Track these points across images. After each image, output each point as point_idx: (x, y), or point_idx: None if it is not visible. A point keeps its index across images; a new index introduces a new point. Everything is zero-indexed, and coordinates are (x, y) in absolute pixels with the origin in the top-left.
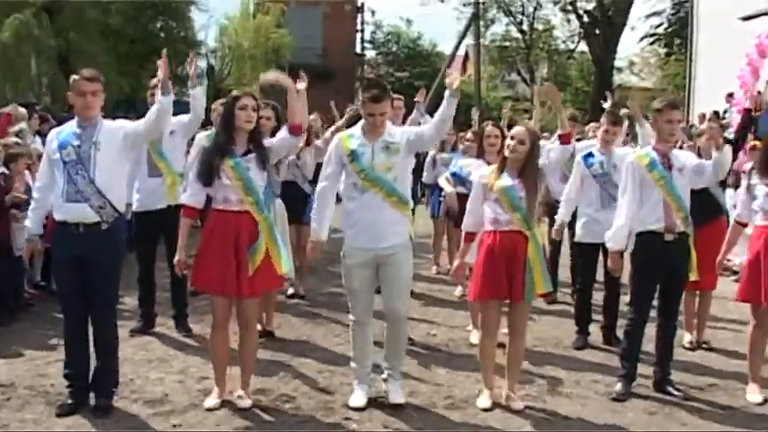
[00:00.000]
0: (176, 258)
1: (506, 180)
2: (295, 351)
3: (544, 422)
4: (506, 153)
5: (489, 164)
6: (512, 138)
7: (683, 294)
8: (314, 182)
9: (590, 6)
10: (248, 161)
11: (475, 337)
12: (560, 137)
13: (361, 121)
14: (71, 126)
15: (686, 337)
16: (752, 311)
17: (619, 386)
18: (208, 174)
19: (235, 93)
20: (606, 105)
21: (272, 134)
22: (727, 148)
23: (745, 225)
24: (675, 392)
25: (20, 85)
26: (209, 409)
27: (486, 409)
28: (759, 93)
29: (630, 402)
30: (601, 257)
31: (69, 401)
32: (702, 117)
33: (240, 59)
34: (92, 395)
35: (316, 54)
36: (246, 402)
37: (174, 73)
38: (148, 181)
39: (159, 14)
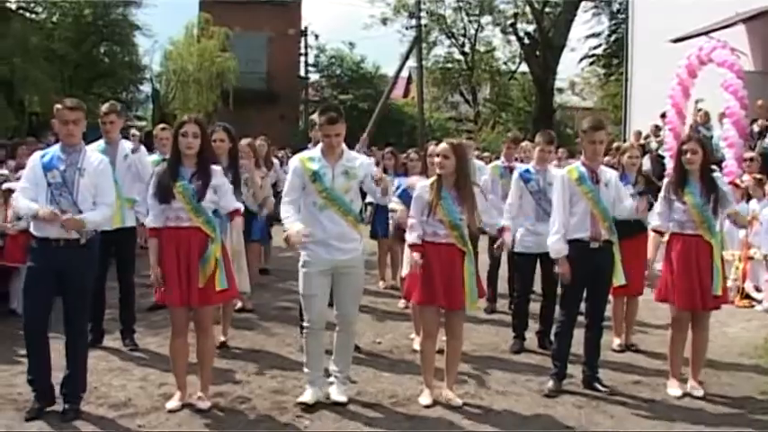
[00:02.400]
0: (152, 277)
1: (447, 199)
2: (249, 358)
3: (480, 416)
4: (437, 171)
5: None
6: (437, 155)
7: (608, 298)
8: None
9: (530, 28)
10: (195, 184)
11: (417, 343)
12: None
13: (320, 144)
14: (55, 150)
15: (615, 341)
16: (673, 316)
17: (550, 383)
18: (164, 194)
19: (182, 118)
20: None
21: (229, 154)
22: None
23: (662, 234)
24: (602, 389)
25: None
26: (171, 411)
27: (427, 406)
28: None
29: (561, 398)
30: (538, 268)
31: (36, 405)
32: (638, 134)
33: (185, 83)
34: (60, 400)
35: (260, 78)
36: (205, 404)
37: (119, 98)
38: None
39: (104, 39)
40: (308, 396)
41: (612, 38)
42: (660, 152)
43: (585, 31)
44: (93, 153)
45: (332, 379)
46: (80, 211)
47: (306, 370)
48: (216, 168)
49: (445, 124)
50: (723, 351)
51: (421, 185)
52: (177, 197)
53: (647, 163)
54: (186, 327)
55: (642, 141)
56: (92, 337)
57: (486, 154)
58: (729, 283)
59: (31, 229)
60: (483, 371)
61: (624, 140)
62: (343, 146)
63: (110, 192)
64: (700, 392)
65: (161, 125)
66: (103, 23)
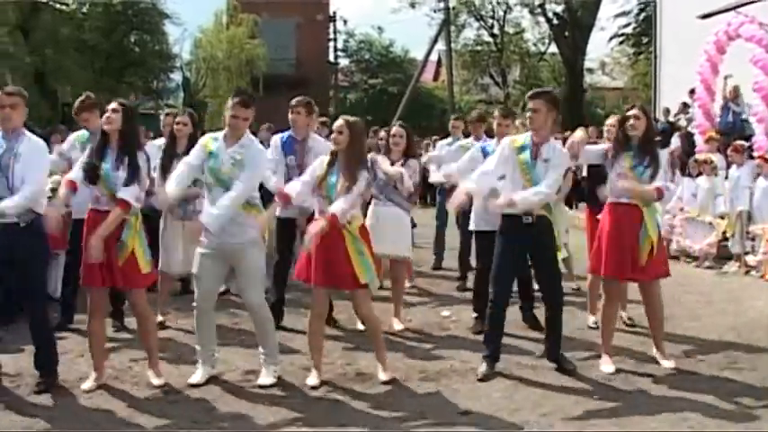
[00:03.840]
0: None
1: (331, 176)
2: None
3: (509, 387)
4: (333, 144)
5: (392, 162)
6: (334, 130)
7: (558, 274)
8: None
9: (559, 9)
10: (117, 166)
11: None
12: None
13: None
14: None
15: (590, 319)
16: (603, 286)
17: (483, 367)
18: (91, 174)
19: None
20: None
21: (189, 139)
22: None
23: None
24: (567, 367)
25: None
26: (86, 391)
27: (314, 387)
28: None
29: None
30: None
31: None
32: (666, 111)
33: (215, 71)
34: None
35: (289, 64)
36: (158, 381)
37: (150, 87)
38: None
39: (133, 29)
40: (197, 377)
41: (641, 16)
42: (690, 129)
43: (615, 9)
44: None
45: (261, 360)
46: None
47: (197, 347)
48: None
49: (475, 107)
50: (748, 329)
51: (313, 166)
52: (99, 181)
53: (675, 141)
54: (104, 308)
55: (672, 119)
56: (62, 316)
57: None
58: (759, 257)
59: None
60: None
61: (655, 119)
62: (248, 134)
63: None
64: (670, 364)
65: (167, 110)
66: (133, 13)
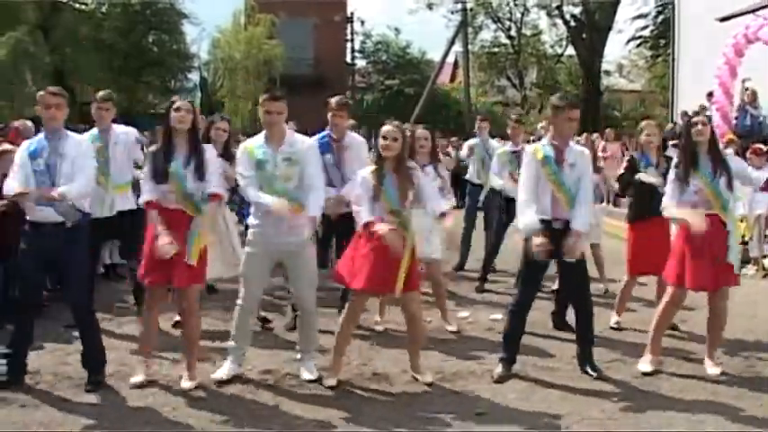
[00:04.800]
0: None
1: (388, 183)
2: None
3: (524, 390)
4: (383, 152)
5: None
6: (384, 137)
7: (587, 279)
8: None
9: (576, 11)
10: (186, 166)
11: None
12: None
13: (263, 131)
14: (39, 138)
15: (613, 319)
16: (671, 294)
17: (499, 368)
18: (158, 174)
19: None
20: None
21: (225, 145)
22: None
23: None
24: (591, 373)
25: (15, 104)
26: (135, 386)
27: (331, 387)
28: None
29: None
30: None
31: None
32: (685, 114)
33: (232, 71)
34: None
35: (307, 64)
36: (190, 384)
37: (167, 86)
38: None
39: (152, 29)
40: (224, 372)
41: (659, 18)
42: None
43: (632, 12)
44: (75, 137)
45: (299, 356)
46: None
47: (230, 344)
48: (208, 146)
49: (492, 109)
50: (765, 332)
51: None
52: (170, 180)
53: None
54: (160, 304)
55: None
56: None
57: (533, 138)
58: None
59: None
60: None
61: (672, 122)
62: (287, 129)
63: (88, 169)
64: (716, 371)
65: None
66: (151, 13)
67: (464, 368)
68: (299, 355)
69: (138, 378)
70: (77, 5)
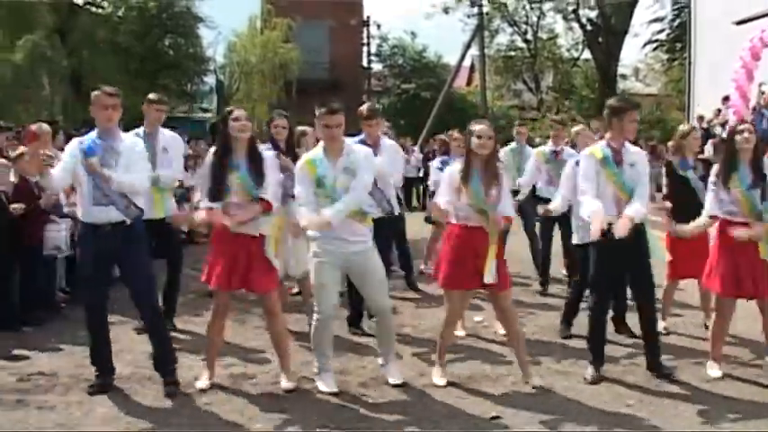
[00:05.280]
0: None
1: (476, 180)
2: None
3: (539, 395)
4: (477, 150)
5: None
6: (479, 136)
7: (653, 280)
8: None
9: (592, 14)
10: (248, 174)
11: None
12: None
13: (321, 144)
14: (92, 137)
15: (660, 324)
16: (716, 304)
17: (590, 371)
18: (216, 191)
19: (229, 108)
20: None
21: (287, 144)
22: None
23: (715, 218)
24: (664, 372)
25: (32, 107)
26: (202, 390)
27: (438, 386)
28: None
29: (623, 377)
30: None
31: (99, 381)
32: (701, 118)
33: (249, 75)
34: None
35: (323, 68)
36: (290, 384)
37: (183, 90)
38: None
39: (168, 32)
40: (329, 386)
41: (676, 22)
42: (724, 137)
43: (648, 15)
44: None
45: (381, 361)
46: (124, 194)
47: (318, 359)
48: (269, 155)
49: (508, 112)
50: None
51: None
52: (235, 187)
53: (709, 148)
54: (228, 309)
55: (705, 126)
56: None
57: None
58: None
59: (79, 217)
60: (542, 353)
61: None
62: (343, 138)
63: (143, 168)
64: None
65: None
66: (168, 16)
67: (479, 372)
68: (380, 360)
69: (203, 383)
70: (94, 9)
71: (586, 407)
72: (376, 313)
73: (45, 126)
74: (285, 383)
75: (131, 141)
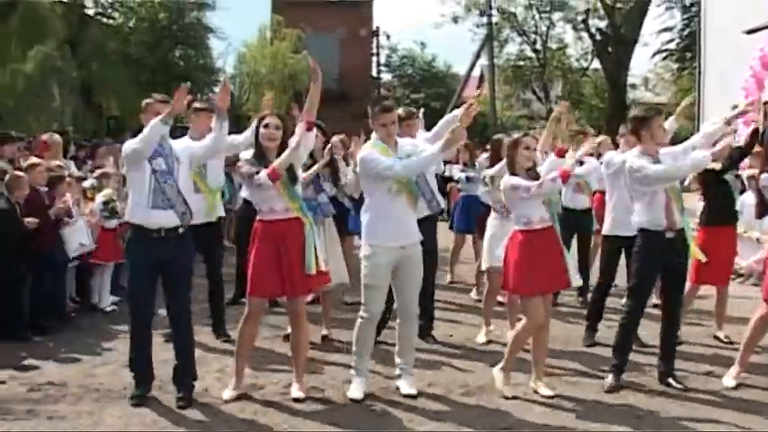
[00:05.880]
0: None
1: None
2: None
3: (550, 405)
4: (526, 163)
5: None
6: (527, 147)
7: (684, 288)
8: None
9: (602, 24)
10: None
11: (482, 336)
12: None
13: (373, 138)
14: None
15: (721, 333)
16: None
17: (610, 378)
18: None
19: (262, 114)
20: None
21: (324, 145)
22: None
23: None
24: (676, 385)
25: (42, 117)
26: (228, 400)
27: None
28: (766, 103)
29: (635, 385)
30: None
31: (138, 392)
32: None
33: (258, 86)
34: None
35: (332, 78)
36: (300, 394)
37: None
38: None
39: (178, 43)
40: (358, 392)
41: (686, 32)
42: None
43: (658, 25)
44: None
45: (398, 371)
46: (184, 200)
47: (356, 359)
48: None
49: (517, 122)
50: None
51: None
52: (275, 186)
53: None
54: (260, 316)
55: None
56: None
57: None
58: None
59: (131, 220)
60: (553, 363)
61: None
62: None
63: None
64: None
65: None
66: (178, 27)
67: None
68: (397, 371)
69: (230, 393)
70: (105, 20)
71: (595, 417)
72: (404, 317)
73: (56, 136)
74: (296, 392)
75: (183, 146)
